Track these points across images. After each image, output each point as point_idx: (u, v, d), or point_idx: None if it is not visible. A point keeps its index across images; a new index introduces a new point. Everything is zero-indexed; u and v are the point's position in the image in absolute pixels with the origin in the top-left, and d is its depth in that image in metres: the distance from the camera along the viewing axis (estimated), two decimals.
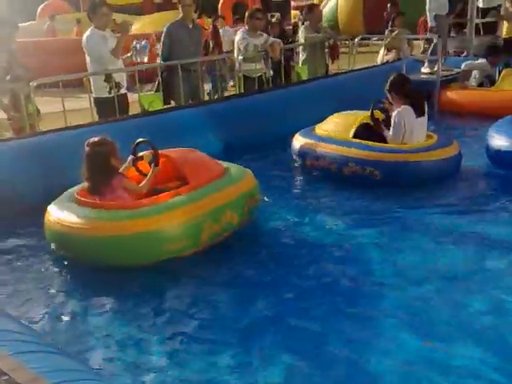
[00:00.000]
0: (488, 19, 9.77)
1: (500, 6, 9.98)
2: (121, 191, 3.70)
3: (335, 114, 5.40)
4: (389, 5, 11.77)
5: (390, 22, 10.34)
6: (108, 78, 5.76)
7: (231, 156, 4.60)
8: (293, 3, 25.07)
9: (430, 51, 8.70)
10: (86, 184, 3.80)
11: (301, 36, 8.41)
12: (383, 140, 4.98)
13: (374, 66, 8.97)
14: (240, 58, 7.01)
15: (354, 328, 2.82)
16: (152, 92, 6.73)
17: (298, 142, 5.31)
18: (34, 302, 3.25)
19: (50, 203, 3.76)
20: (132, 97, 6.38)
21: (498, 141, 4.86)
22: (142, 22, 16.93)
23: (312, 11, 8.36)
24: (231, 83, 10.69)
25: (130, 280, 3.38)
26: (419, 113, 4.92)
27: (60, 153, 4.75)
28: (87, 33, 5.82)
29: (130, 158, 3.98)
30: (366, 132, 5.02)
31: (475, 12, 9.19)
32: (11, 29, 5.83)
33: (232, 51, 7.70)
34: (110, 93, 5.80)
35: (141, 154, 4.02)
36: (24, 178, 4.49)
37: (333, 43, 9.52)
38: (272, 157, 5.67)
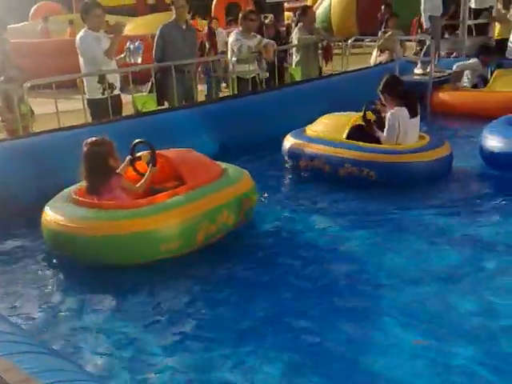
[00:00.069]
0: (480, 20, 9.82)
1: (492, 7, 10.04)
2: (118, 191, 3.71)
3: (326, 116, 5.42)
4: (383, 6, 11.81)
5: (384, 24, 10.38)
6: (101, 79, 5.76)
7: (226, 157, 4.59)
8: (286, 5, 25.15)
9: (423, 52, 8.73)
10: (83, 183, 3.81)
11: (294, 37, 8.43)
12: (376, 141, 4.99)
13: (368, 68, 8.99)
14: (234, 59, 7.02)
15: (351, 327, 2.84)
16: (146, 93, 6.73)
17: (291, 143, 5.30)
18: (28, 301, 3.25)
19: (43, 204, 3.76)
20: (125, 98, 6.37)
21: (492, 142, 4.88)
22: (135, 24, 16.90)
23: (305, 13, 8.38)
24: (224, 84, 10.71)
25: (126, 279, 3.38)
26: (412, 114, 4.95)
27: (53, 154, 4.75)
28: (80, 34, 5.81)
29: (128, 158, 4.01)
30: (359, 133, 5.04)
31: (467, 13, 9.23)
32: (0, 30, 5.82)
33: (225, 52, 7.72)
34: (103, 94, 5.79)
35: (139, 154, 4.04)
36: (18, 179, 4.47)
37: (326, 45, 9.55)
38: (267, 157, 5.67)
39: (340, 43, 9.85)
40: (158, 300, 3.20)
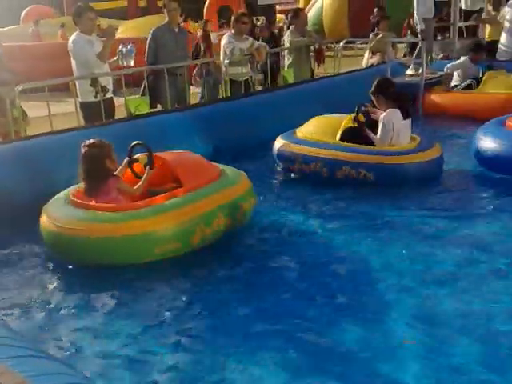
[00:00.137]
0: (470, 22, 9.88)
1: (482, 9, 10.10)
2: (115, 193, 3.72)
3: (316, 118, 5.43)
4: (376, 9, 11.85)
5: (376, 26, 10.42)
6: (94, 82, 5.75)
7: (219, 159, 4.59)
8: (278, 7, 25.20)
9: (415, 54, 8.78)
10: (81, 185, 3.83)
11: (286, 40, 8.45)
12: (368, 143, 5.01)
13: (360, 70, 9.03)
14: (226, 61, 7.03)
15: (351, 327, 2.86)
16: (138, 96, 6.72)
17: (282, 146, 5.27)
18: (25, 303, 3.25)
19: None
20: (118, 101, 6.37)
21: (486, 143, 4.91)
22: (126, 27, 16.88)
23: (297, 15, 8.39)
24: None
25: (126, 280, 3.40)
26: (405, 115, 4.97)
27: (46, 157, 4.74)
28: (73, 37, 5.80)
29: (126, 160, 4.02)
30: (352, 135, 5.05)
31: (458, 15, 9.28)
32: None
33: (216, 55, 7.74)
34: (95, 97, 5.79)
35: (136, 156, 4.05)
36: (9, 183, 4.46)
37: (318, 47, 9.58)
38: (260, 160, 5.65)
39: (332, 45, 9.88)
40: (159, 300, 3.20)
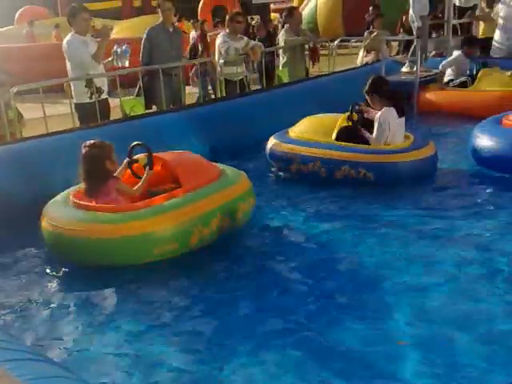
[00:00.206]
0: (464, 20, 9.90)
1: (476, 5, 10.12)
2: (115, 194, 3.74)
3: (308, 118, 5.43)
4: (371, 7, 11.87)
5: (370, 24, 10.43)
6: (89, 83, 5.74)
7: (216, 160, 4.59)
8: (272, 6, 25.19)
9: (410, 52, 8.79)
10: (81, 186, 3.84)
11: (281, 39, 8.45)
12: (363, 142, 5.01)
13: (355, 68, 9.03)
14: (221, 61, 7.03)
15: (352, 326, 2.87)
16: (133, 97, 6.71)
17: (277, 146, 5.26)
18: (24, 305, 3.25)
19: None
20: (113, 102, 6.36)
21: (484, 141, 4.92)
22: (121, 27, 16.85)
23: (292, 14, 8.38)
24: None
25: (126, 280, 3.41)
26: (399, 113, 4.98)
27: (41, 159, 4.73)
28: (67, 38, 5.79)
29: (126, 160, 4.03)
30: (347, 134, 5.05)
31: (452, 12, 9.30)
32: None
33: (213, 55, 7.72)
34: (91, 98, 5.78)
35: (136, 156, 4.06)
36: (5, 185, 4.45)
37: (313, 46, 9.57)
38: (257, 160, 5.64)
39: (327, 44, 9.88)
40: (159, 301, 3.21)
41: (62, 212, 3.66)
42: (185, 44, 9.32)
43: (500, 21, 8.73)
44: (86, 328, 2.99)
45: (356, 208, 4.44)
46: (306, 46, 8.93)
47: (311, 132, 5.19)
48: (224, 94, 7.14)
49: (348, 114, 5.10)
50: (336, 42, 9.14)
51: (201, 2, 19.99)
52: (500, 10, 8.77)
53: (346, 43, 12.93)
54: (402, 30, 11.81)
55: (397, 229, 4.01)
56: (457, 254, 3.56)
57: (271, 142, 5.35)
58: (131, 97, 6.70)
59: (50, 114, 5.62)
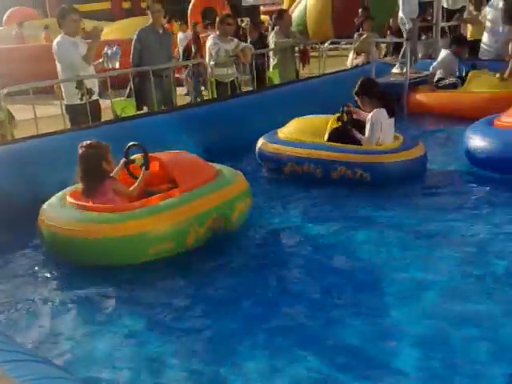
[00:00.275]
0: (453, 23, 9.98)
1: (464, 8, 10.21)
2: (111, 194, 3.75)
3: (297, 119, 5.46)
4: (360, 9, 11.94)
5: (360, 26, 10.50)
6: (79, 84, 5.72)
7: (210, 160, 4.60)
8: (262, 8, 25.23)
9: (401, 54, 8.85)
10: (78, 186, 3.85)
11: (271, 41, 8.47)
12: (354, 143, 5.04)
13: (345, 70, 9.08)
14: (212, 63, 7.04)
15: (351, 324, 2.89)
16: (124, 98, 6.70)
17: (271, 149, 5.28)
18: (21, 306, 3.24)
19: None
20: (104, 103, 6.34)
21: (476, 142, 4.97)
22: (110, 28, 16.80)
23: (282, 17, 8.41)
24: (203, 88, 10.73)
25: (123, 280, 3.41)
26: (390, 114, 5.03)
27: (32, 160, 4.70)
28: (57, 39, 5.77)
29: (123, 160, 4.05)
30: (339, 136, 5.08)
31: (441, 15, 9.37)
32: None
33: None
34: (81, 99, 5.76)
35: (133, 157, 4.07)
36: (3, 184, 4.42)
37: (303, 48, 9.61)
38: (249, 161, 5.65)
39: (317, 46, 9.92)
40: (156, 301, 3.22)
41: (59, 212, 3.66)
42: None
43: (488, 23, 8.81)
44: (83, 328, 2.99)
45: (350, 208, 4.46)
46: (296, 48, 8.96)
47: (299, 133, 5.24)
48: (215, 96, 7.15)
49: (338, 114, 5.14)
50: (326, 44, 9.17)
51: (190, 4, 19.97)
52: (488, 12, 8.85)
53: (336, 45, 12.97)
54: (389, 32, 11.89)
55: (392, 229, 4.02)
56: (453, 254, 3.59)
57: (265, 145, 5.38)
58: (122, 98, 6.69)
59: (41, 116, 5.59)
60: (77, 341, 2.88)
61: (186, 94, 10.89)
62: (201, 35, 12.20)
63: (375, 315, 2.98)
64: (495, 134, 4.96)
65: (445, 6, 9.85)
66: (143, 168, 3.93)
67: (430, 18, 9.52)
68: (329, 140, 5.05)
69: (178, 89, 8.78)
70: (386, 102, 5.06)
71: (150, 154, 3.95)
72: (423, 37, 10.08)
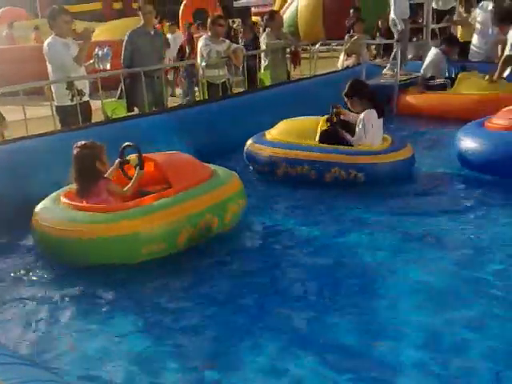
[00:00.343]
0: (442, 24, 10.04)
1: (453, 9, 10.28)
2: (105, 195, 3.76)
3: (284, 121, 5.48)
4: (352, 10, 11.99)
5: (351, 28, 10.54)
6: (70, 85, 5.71)
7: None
8: (253, 9, 25.29)
9: (392, 56, 8.89)
10: (73, 186, 3.85)
11: (263, 42, 8.49)
12: (345, 144, 5.06)
13: (336, 71, 9.11)
14: (203, 64, 7.04)
15: (339, 326, 2.90)
16: (115, 99, 6.69)
17: (262, 151, 5.28)
18: (15, 307, 3.24)
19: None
20: (95, 104, 6.33)
21: (470, 144, 5.01)
22: (101, 29, 16.75)
23: (273, 18, 8.43)
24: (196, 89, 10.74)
25: (117, 281, 3.41)
26: (379, 115, 5.07)
27: (22, 161, 4.69)
28: (48, 40, 5.75)
29: (118, 161, 4.06)
30: (330, 137, 5.10)
31: (431, 17, 9.43)
32: None
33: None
34: (72, 100, 5.75)
35: (128, 157, 4.09)
36: None
37: (294, 49, 9.63)
38: (241, 162, 5.65)
39: (308, 47, 9.95)
40: (150, 300, 3.22)
41: (53, 212, 3.66)
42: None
43: (478, 25, 8.88)
44: (77, 328, 2.99)
45: (341, 210, 4.47)
46: (288, 50, 8.98)
47: (286, 134, 5.26)
48: (206, 97, 7.15)
49: (328, 116, 5.16)
50: (317, 46, 9.20)
51: (182, 5, 19.96)
52: (477, 15, 8.93)
53: (327, 47, 13.02)
54: (378, 33, 11.96)
55: (384, 230, 4.04)
56: (444, 255, 3.61)
57: (248, 144, 5.43)
58: (113, 99, 6.67)
59: (31, 117, 5.57)
60: (70, 341, 2.87)
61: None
62: (195, 36, 12.20)
63: (368, 316, 2.98)
64: (486, 135, 4.99)
65: (435, 6, 9.91)
66: (137, 168, 3.94)
67: (420, 21, 9.57)
68: (320, 141, 5.07)
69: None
70: (376, 103, 5.10)
71: (144, 155, 3.96)
72: (414, 38, 10.14)
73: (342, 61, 10.35)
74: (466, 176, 5.08)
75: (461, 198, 4.66)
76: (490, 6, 8.58)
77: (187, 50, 12.06)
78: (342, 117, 5.17)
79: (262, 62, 8.46)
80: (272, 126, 5.55)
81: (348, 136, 5.09)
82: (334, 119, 5.15)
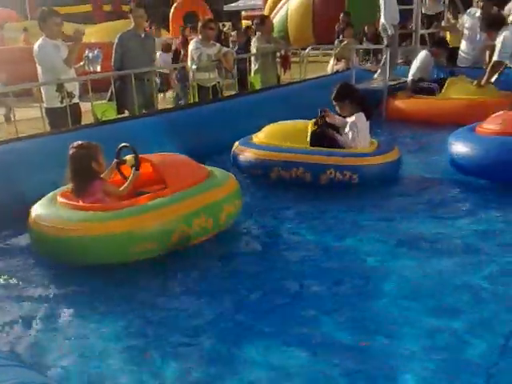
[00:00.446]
0: (431, 30, 10.14)
1: (442, 13, 10.38)
2: (101, 194, 3.76)
3: (272, 124, 5.50)
4: (342, 14, 12.06)
5: (341, 33, 10.62)
6: (60, 87, 5.69)
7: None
8: (243, 13, 25.34)
9: (382, 61, 8.96)
10: (70, 186, 3.84)
11: (253, 46, 8.53)
12: (333, 146, 5.10)
13: (326, 76, 9.17)
14: (194, 67, 7.05)
15: (337, 326, 2.92)
16: (105, 101, 6.68)
17: (253, 154, 5.27)
18: (10, 308, 3.22)
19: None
20: (85, 106, 6.32)
21: (462, 148, 5.05)
22: (91, 31, 16.72)
23: (263, 22, 8.49)
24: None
25: (113, 281, 3.41)
26: (367, 118, 5.15)
27: (12, 163, 4.67)
28: (39, 42, 5.72)
29: (115, 161, 4.08)
30: (319, 139, 5.13)
31: (420, 23, 9.51)
32: None
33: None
34: (61, 102, 5.73)
35: (125, 158, 4.10)
36: None
37: (284, 53, 9.68)
38: (225, 164, 5.66)
39: (298, 51, 10.01)
40: (146, 300, 3.21)
41: (49, 211, 3.66)
42: None
43: (466, 31, 8.98)
44: (74, 329, 2.97)
45: (337, 211, 4.49)
46: (278, 54, 9.03)
47: (273, 137, 5.29)
48: (197, 100, 7.17)
49: (317, 119, 5.20)
50: (307, 50, 9.25)
51: (172, 8, 19.99)
52: (465, 21, 9.02)
53: (316, 51, 13.09)
54: (364, 38, 12.06)
55: (378, 232, 4.06)
56: (440, 257, 3.63)
57: (234, 147, 5.44)
58: (103, 101, 6.66)
59: (20, 118, 5.55)
60: (67, 341, 2.85)
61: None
62: (189, 38, 12.21)
63: (364, 316, 3.00)
64: (478, 140, 5.05)
65: (423, 11, 9.99)
66: (133, 169, 3.96)
67: (410, 27, 9.66)
68: (311, 144, 5.10)
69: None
70: (365, 107, 5.16)
71: (141, 156, 3.98)
72: (403, 44, 10.22)
73: (331, 65, 10.42)
74: (457, 180, 5.12)
75: (453, 201, 4.70)
76: (478, 13, 8.69)
77: (182, 53, 12.05)
78: (327, 119, 5.20)
79: (252, 65, 8.49)
80: (261, 129, 5.57)
81: (338, 136, 5.13)
82: (319, 122, 5.20)
